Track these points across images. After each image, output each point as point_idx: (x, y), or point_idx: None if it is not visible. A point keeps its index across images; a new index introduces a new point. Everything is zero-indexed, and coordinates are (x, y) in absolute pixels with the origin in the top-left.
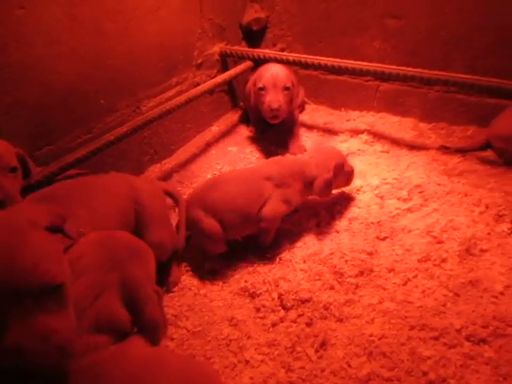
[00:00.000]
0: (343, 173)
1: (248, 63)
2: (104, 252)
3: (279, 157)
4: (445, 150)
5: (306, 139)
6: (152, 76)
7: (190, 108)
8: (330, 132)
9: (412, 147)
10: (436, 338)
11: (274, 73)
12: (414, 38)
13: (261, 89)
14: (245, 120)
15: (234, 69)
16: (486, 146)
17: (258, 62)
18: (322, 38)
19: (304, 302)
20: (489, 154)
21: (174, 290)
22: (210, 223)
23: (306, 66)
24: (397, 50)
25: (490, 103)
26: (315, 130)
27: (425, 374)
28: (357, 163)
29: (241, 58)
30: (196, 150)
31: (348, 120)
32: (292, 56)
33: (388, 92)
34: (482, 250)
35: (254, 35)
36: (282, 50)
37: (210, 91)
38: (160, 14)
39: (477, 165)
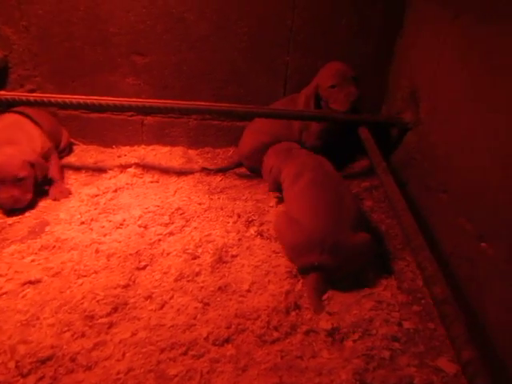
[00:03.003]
0: None
1: None
2: None
3: None
4: (207, 171)
5: (74, 181)
6: None
7: None
8: (100, 170)
9: (180, 173)
10: (185, 353)
11: None
12: (162, 73)
13: None
14: None
15: None
16: (240, 163)
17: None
18: (74, 77)
19: (45, 361)
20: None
21: None
22: None
23: (50, 105)
24: (150, 84)
25: (239, 126)
26: (84, 171)
27: None
28: (125, 197)
29: None
30: None
31: (120, 156)
32: (33, 96)
33: (153, 125)
34: (233, 256)
35: None
36: (32, 90)
37: None
38: None
39: (236, 180)
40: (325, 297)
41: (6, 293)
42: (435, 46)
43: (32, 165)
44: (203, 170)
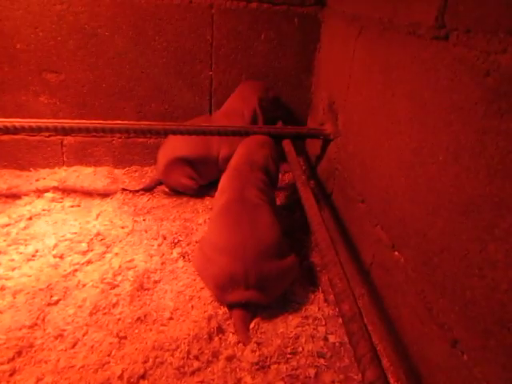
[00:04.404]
0: None
1: None
2: None
3: None
4: (128, 191)
5: None
6: None
7: None
8: (14, 197)
9: (105, 195)
10: None
11: None
12: (79, 91)
13: None
14: None
15: None
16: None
17: None
18: None
19: None
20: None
21: None
22: None
23: None
24: (67, 103)
25: None
26: None
27: None
28: (40, 225)
29: None
30: None
31: (37, 180)
32: None
33: (74, 145)
34: (155, 282)
35: None
36: None
37: None
38: None
39: (164, 199)
40: (252, 325)
41: None
42: (346, 60)
43: None
44: (123, 190)
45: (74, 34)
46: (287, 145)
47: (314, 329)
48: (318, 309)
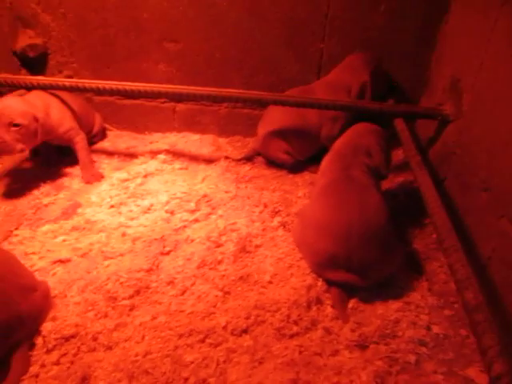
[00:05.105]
0: None
1: (20, 92)
2: None
3: None
4: (231, 160)
5: (106, 166)
6: None
7: None
8: (132, 156)
9: (209, 161)
10: (202, 341)
11: None
12: (193, 59)
13: None
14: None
15: None
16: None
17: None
18: (108, 63)
19: (69, 338)
20: None
21: None
22: None
23: (85, 90)
24: (181, 71)
25: None
26: (116, 156)
27: (186, 380)
28: (154, 183)
29: (14, 87)
30: None
31: (151, 142)
32: (69, 82)
33: (184, 112)
34: (256, 246)
35: (33, 62)
36: (69, 76)
37: None
38: None
39: (265, 170)
40: (350, 304)
41: (38, 270)
42: (483, 32)
43: (36, 119)
44: (226, 159)
45: (194, 4)
46: (400, 124)
47: (415, 316)
48: (421, 297)
